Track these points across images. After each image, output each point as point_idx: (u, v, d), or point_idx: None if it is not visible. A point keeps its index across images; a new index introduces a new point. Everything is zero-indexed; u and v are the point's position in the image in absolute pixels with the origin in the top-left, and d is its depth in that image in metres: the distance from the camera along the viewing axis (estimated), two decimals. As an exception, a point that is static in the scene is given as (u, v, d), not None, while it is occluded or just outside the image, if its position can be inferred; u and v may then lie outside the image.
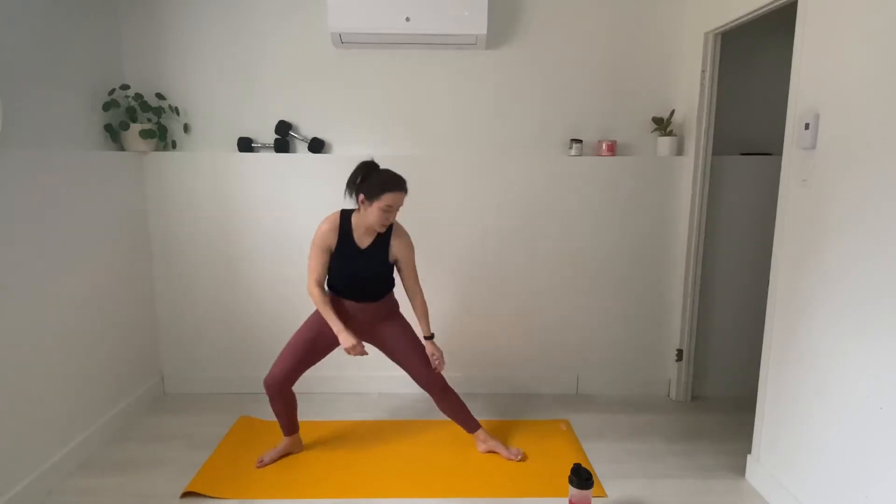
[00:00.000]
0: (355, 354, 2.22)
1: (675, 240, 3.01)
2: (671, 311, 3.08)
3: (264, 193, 2.95)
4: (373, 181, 2.15)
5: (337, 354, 3.14)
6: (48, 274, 2.22)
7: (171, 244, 2.97)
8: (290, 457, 2.44)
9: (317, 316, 2.35)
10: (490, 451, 2.46)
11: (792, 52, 2.08)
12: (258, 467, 2.35)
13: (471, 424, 2.45)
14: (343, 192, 2.23)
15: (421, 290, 2.42)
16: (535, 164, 2.95)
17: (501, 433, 2.61)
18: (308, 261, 2.26)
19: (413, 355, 2.38)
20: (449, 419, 2.48)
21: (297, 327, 3.03)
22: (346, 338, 2.20)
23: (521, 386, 3.15)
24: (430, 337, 2.42)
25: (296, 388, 3.11)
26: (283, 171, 2.93)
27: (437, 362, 2.38)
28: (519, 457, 2.40)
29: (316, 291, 2.24)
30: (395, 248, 2.31)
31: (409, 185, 2.93)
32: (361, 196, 2.16)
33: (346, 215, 2.27)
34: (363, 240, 2.26)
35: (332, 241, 2.24)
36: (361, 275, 2.28)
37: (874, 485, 1.69)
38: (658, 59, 2.95)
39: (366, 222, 2.21)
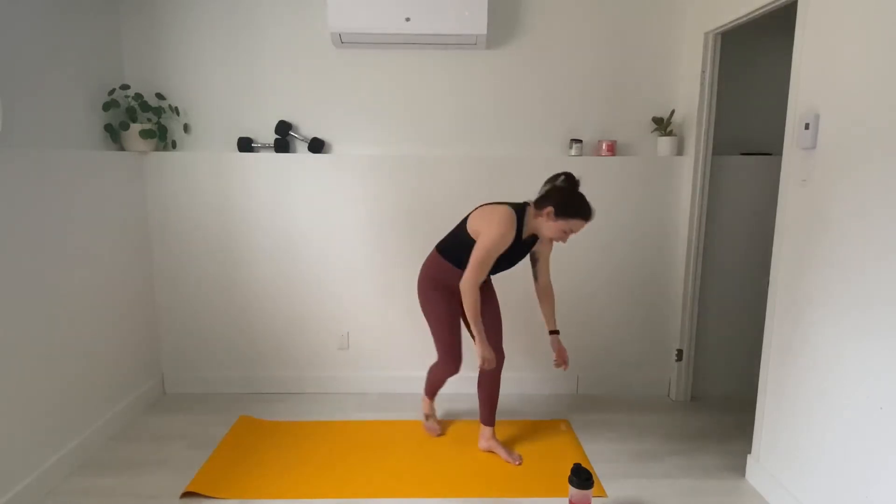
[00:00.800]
0: (487, 367, 2.25)
1: (675, 240, 3.01)
2: (671, 311, 3.08)
3: (264, 193, 2.95)
4: (571, 202, 2.09)
5: (334, 354, 3.15)
6: (48, 274, 2.22)
7: (171, 244, 2.97)
8: (291, 457, 2.44)
9: (436, 297, 2.33)
10: (489, 451, 2.46)
11: (792, 52, 2.08)
12: (430, 432, 2.58)
13: (489, 418, 2.47)
14: (539, 194, 2.18)
15: (551, 282, 2.46)
16: (535, 164, 2.95)
17: (501, 433, 2.60)
18: (479, 257, 2.12)
19: (492, 326, 2.40)
20: (452, 419, 2.49)
21: (298, 327, 3.05)
22: (487, 350, 2.23)
23: (521, 386, 3.15)
24: (556, 332, 2.46)
25: (295, 388, 3.13)
26: (283, 171, 2.93)
27: (562, 359, 2.40)
28: (518, 461, 2.40)
29: (476, 295, 2.16)
30: (543, 244, 2.35)
31: (409, 185, 2.96)
32: (551, 209, 2.09)
33: (520, 215, 2.18)
34: (526, 234, 2.24)
35: (510, 242, 2.17)
36: (511, 263, 2.29)
37: (874, 485, 1.69)
38: (658, 59, 2.95)
39: (537, 228, 2.19)
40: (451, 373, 2.43)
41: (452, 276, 2.28)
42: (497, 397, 2.45)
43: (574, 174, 2.16)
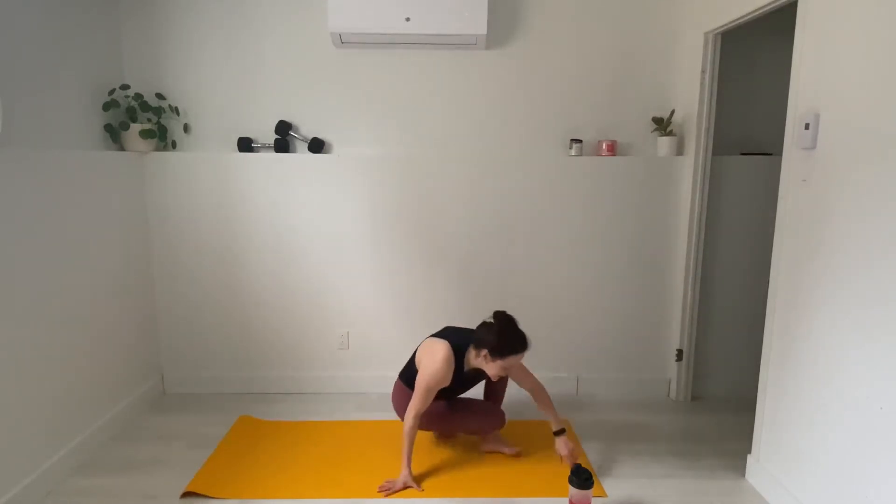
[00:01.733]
0: (393, 488, 2.20)
1: (676, 240, 3.01)
2: (671, 311, 3.08)
3: (264, 193, 2.95)
4: (503, 343, 2.16)
5: (334, 354, 3.14)
6: (48, 274, 2.22)
7: (171, 244, 2.97)
8: (290, 457, 2.44)
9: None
10: (492, 451, 2.45)
11: (792, 52, 2.08)
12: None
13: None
14: (475, 336, 2.25)
15: (539, 382, 2.39)
16: (535, 164, 2.95)
17: (502, 433, 2.60)
18: (419, 391, 2.20)
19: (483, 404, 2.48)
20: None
21: (298, 327, 3.06)
22: (408, 480, 2.21)
23: (521, 386, 3.15)
24: (560, 432, 2.32)
25: (295, 388, 3.12)
26: (283, 171, 2.93)
27: (572, 458, 2.28)
28: (517, 452, 2.43)
29: (413, 423, 2.21)
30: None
31: (410, 185, 2.96)
32: (486, 352, 2.18)
33: (458, 354, 2.26)
34: (468, 369, 2.33)
35: (447, 381, 2.24)
36: (464, 389, 2.40)
37: (875, 484, 1.69)
38: (658, 59, 2.95)
39: (480, 366, 2.26)
40: (497, 424, 2.43)
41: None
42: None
43: (505, 312, 2.24)
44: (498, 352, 2.16)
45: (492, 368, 2.20)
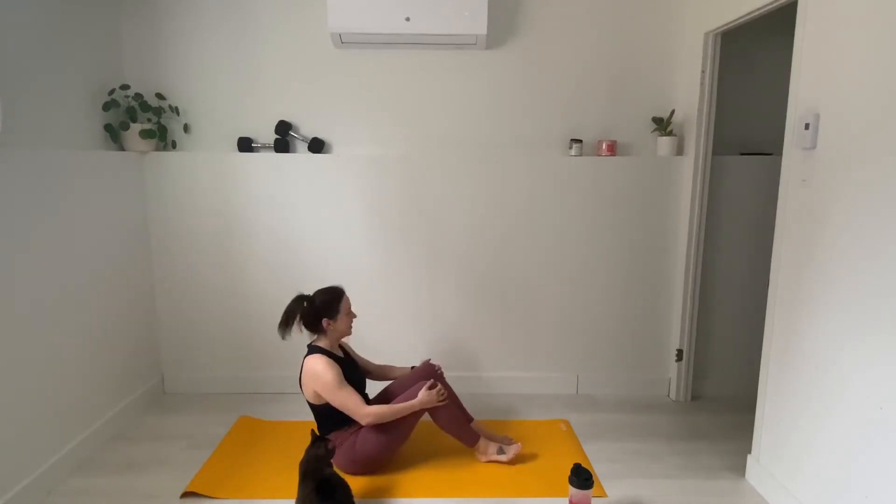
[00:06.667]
0: (438, 398, 2.29)
1: (675, 240, 3.01)
2: (671, 311, 3.08)
3: (264, 193, 2.95)
4: (324, 302, 2.31)
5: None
6: (48, 274, 2.22)
7: (171, 244, 2.97)
8: (290, 457, 2.43)
9: (381, 440, 2.27)
10: (494, 461, 2.41)
11: (792, 52, 2.08)
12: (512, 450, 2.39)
13: (470, 437, 2.40)
14: (311, 332, 2.34)
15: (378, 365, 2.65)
16: (535, 164, 2.95)
17: (502, 433, 2.60)
18: (344, 402, 2.22)
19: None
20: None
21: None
22: (425, 394, 2.27)
23: (521, 386, 3.15)
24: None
25: (295, 388, 3.12)
26: (283, 171, 2.93)
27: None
28: (512, 450, 2.39)
29: (372, 409, 2.21)
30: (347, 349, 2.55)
31: (410, 185, 2.98)
32: (325, 320, 2.30)
33: (323, 350, 2.30)
34: (339, 352, 2.42)
35: (337, 364, 2.28)
36: (362, 374, 2.49)
37: (874, 484, 1.69)
38: (658, 59, 2.95)
39: (336, 337, 2.37)
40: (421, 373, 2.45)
41: (355, 435, 2.27)
42: (457, 421, 2.38)
43: (302, 293, 2.33)
44: (328, 309, 2.29)
45: (342, 324, 2.33)
